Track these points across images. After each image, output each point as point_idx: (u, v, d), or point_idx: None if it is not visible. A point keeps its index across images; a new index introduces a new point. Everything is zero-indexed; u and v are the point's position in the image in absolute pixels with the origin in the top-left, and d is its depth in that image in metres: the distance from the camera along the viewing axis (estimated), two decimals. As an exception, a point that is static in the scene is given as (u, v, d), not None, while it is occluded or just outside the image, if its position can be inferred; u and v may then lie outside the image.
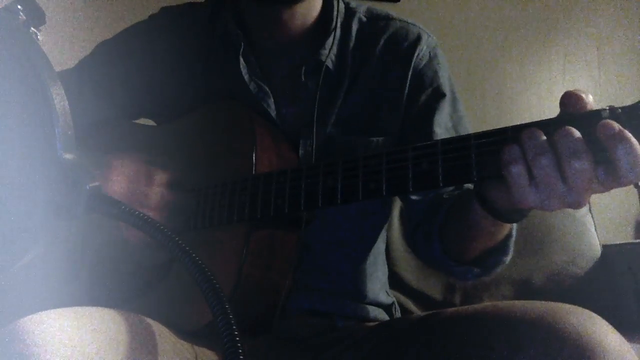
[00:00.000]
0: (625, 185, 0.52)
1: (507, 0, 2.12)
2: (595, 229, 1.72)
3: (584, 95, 0.54)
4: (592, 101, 0.54)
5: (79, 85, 0.97)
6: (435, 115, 0.87)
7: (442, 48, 0.94)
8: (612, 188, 0.53)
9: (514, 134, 0.55)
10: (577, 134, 0.52)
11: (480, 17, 2.09)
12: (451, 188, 0.84)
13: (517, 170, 0.54)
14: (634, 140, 0.50)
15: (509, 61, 2.11)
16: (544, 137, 0.53)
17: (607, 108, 0.52)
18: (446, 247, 0.79)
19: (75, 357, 0.55)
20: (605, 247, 1.70)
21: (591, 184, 0.52)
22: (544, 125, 0.55)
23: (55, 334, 0.56)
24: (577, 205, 0.54)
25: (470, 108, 2.00)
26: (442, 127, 0.86)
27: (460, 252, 0.77)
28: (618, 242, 1.80)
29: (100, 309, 0.64)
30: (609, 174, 0.51)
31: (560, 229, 1.67)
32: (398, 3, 1.99)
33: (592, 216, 1.73)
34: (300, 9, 0.87)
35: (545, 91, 2.12)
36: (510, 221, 0.67)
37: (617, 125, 0.50)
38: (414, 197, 0.87)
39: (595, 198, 1.78)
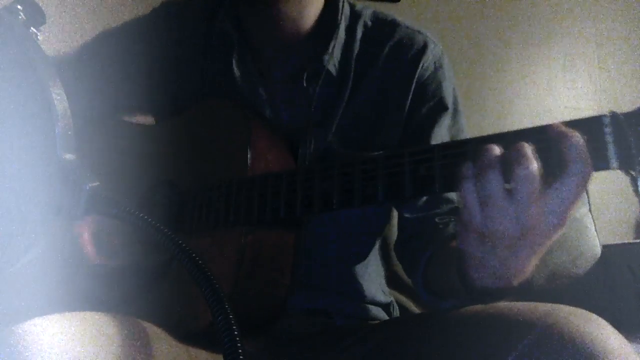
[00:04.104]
0: (577, 188, 0.51)
1: (507, 0, 2.12)
2: (595, 229, 1.71)
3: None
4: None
5: (78, 79, 0.96)
6: (435, 128, 0.85)
7: (441, 48, 0.92)
8: (566, 204, 0.52)
9: (513, 140, 0.54)
10: (525, 146, 0.51)
11: (480, 17, 2.09)
12: (446, 209, 0.84)
13: (468, 187, 0.54)
14: (577, 135, 0.50)
15: (509, 61, 2.10)
16: (497, 152, 0.53)
17: (609, 114, 0.51)
18: (428, 282, 0.80)
19: None
20: (605, 247, 1.70)
21: (538, 198, 0.52)
22: (528, 135, 0.54)
23: (50, 340, 0.56)
24: (530, 227, 0.53)
25: (470, 108, 2.00)
26: (439, 141, 0.85)
27: (441, 287, 0.78)
28: (618, 242, 1.80)
29: (95, 313, 0.63)
30: (559, 183, 0.51)
31: (560, 229, 1.66)
32: (398, 3, 1.99)
33: (592, 216, 1.73)
34: (289, 9, 0.84)
35: (545, 91, 2.12)
36: (480, 301, 0.67)
37: (562, 125, 0.51)
38: (407, 215, 0.87)
39: (595, 198, 1.78)
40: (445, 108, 0.86)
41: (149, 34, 0.95)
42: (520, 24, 2.12)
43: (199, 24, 0.93)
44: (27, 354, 0.54)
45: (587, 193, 1.74)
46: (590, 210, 1.73)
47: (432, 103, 0.86)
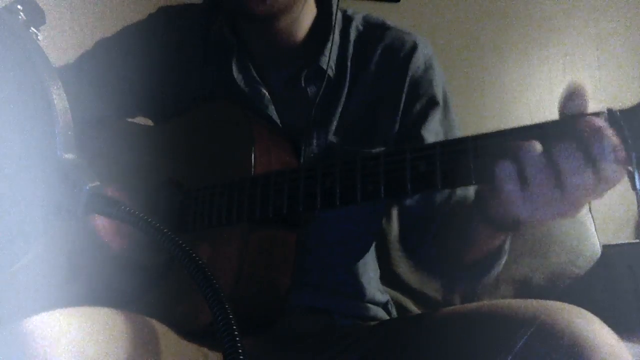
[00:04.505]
0: (612, 182, 0.52)
1: (507, 0, 2.12)
2: (595, 229, 1.71)
3: (582, 108, 0.53)
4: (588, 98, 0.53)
5: (77, 83, 0.97)
6: (427, 122, 0.87)
7: (442, 48, 0.94)
8: (604, 193, 0.53)
9: (512, 137, 0.55)
10: (578, 147, 0.51)
11: (480, 17, 2.09)
12: (445, 195, 0.84)
13: (510, 187, 0.54)
14: (610, 132, 0.50)
15: (509, 61, 2.10)
16: (542, 152, 0.53)
17: (605, 111, 0.52)
18: (440, 254, 0.79)
19: (77, 357, 0.55)
20: (605, 247, 1.70)
21: (588, 196, 0.52)
22: (543, 133, 0.54)
23: (58, 334, 0.56)
24: (572, 214, 0.54)
25: (470, 108, 2.00)
26: (432, 134, 0.87)
27: (454, 258, 0.78)
28: (618, 242, 1.80)
29: (102, 308, 0.64)
30: (599, 177, 0.51)
31: (560, 229, 1.67)
32: (398, 3, 1.99)
33: (592, 216, 1.73)
34: (284, 23, 0.86)
35: (545, 91, 2.12)
36: (508, 230, 0.67)
37: (598, 120, 0.50)
38: (408, 203, 0.88)
39: (595, 198, 1.77)
40: (437, 103, 0.89)
41: (148, 38, 0.95)
42: (520, 24, 2.12)
43: (198, 28, 0.93)
44: (36, 347, 0.54)
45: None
46: (590, 210, 1.73)
47: (425, 100, 0.89)
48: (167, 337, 0.69)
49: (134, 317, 0.66)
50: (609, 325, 0.62)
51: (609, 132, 0.50)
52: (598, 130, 0.50)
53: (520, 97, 2.11)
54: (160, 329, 0.69)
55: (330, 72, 0.87)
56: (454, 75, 1.98)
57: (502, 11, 2.11)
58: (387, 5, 1.95)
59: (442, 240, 0.79)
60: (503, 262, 0.76)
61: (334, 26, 0.88)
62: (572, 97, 0.53)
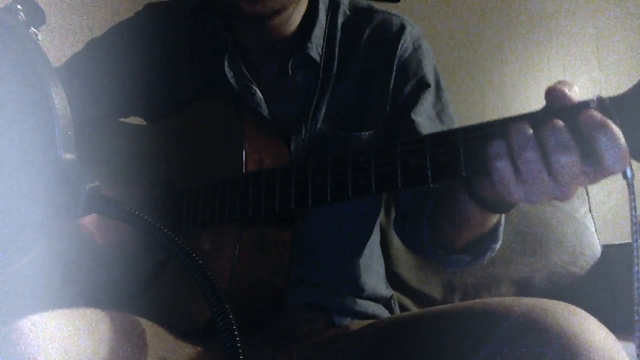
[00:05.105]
0: (610, 174, 0.52)
1: (507, 0, 2.12)
2: (595, 229, 1.71)
3: (566, 90, 0.53)
4: (576, 93, 0.53)
5: (69, 83, 0.96)
6: (418, 105, 0.86)
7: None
8: (598, 179, 0.53)
9: (501, 128, 0.55)
10: (564, 127, 0.51)
11: (480, 17, 2.09)
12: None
13: (501, 165, 0.54)
14: (615, 128, 0.49)
15: (509, 61, 2.11)
16: (531, 131, 0.53)
17: (595, 98, 0.52)
18: (435, 236, 0.79)
19: (67, 359, 0.56)
20: (605, 247, 1.70)
21: (578, 177, 0.52)
22: (532, 118, 0.54)
23: (48, 336, 0.56)
24: (564, 198, 0.54)
25: (470, 108, 2.01)
26: (424, 117, 0.86)
27: (449, 240, 0.77)
28: (618, 242, 1.80)
29: (92, 310, 0.64)
30: (594, 165, 0.51)
31: (560, 229, 1.66)
32: (398, 3, 1.99)
33: (592, 216, 1.72)
34: (278, 21, 0.86)
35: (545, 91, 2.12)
36: (499, 212, 0.67)
37: (599, 114, 0.50)
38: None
39: (595, 198, 1.78)
40: (427, 85, 0.88)
41: (135, 36, 0.95)
42: (520, 24, 2.12)
43: (186, 25, 0.93)
44: (26, 349, 0.54)
45: (587, 193, 1.74)
46: (590, 210, 1.73)
47: (414, 81, 0.88)
48: (157, 336, 0.69)
49: (121, 317, 0.66)
50: (609, 326, 0.61)
51: (608, 122, 0.49)
52: (598, 122, 0.50)
53: (520, 97, 2.11)
54: (150, 328, 0.69)
55: (317, 58, 0.86)
56: (454, 75, 1.98)
57: (503, 11, 2.11)
58: (386, 5, 1.95)
59: (436, 222, 0.79)
60: (497, 247, 0.75)
61: (319, 13, 0.88)
62: (553, 90, 0.53)
